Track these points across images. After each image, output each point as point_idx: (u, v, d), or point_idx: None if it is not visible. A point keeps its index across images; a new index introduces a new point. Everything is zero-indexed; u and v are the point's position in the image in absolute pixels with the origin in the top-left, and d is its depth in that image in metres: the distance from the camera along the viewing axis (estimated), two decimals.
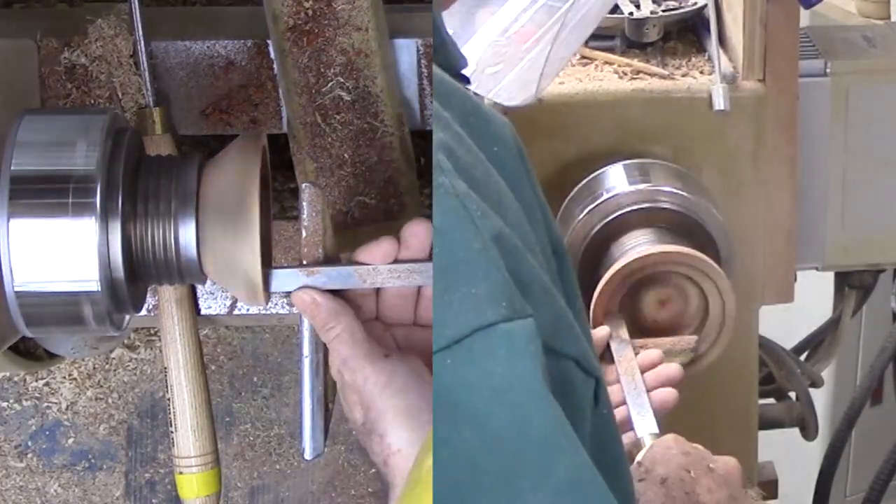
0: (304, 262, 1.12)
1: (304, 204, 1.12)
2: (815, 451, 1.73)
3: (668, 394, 1.11)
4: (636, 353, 1.12)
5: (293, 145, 1.42)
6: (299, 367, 1.12)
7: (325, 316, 1.07)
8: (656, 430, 1.07)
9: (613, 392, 1.13)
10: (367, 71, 1.39)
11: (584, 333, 0.81)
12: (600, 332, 1.15)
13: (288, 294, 1.14)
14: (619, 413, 1.10)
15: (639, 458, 1.04)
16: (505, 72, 1.03)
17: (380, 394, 1.04)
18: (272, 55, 1.48)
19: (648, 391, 1.10)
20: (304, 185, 1.12)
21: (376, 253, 1.08)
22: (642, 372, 1.12)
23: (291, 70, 1.38)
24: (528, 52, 1.00)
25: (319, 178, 1.39)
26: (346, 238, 1.32)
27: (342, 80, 1.37)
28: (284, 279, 1.11)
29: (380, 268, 1.08)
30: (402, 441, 1.02)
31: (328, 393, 1.12)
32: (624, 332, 1.15)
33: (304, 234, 1.12)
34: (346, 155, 1.39)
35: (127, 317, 1.19)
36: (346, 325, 1.07)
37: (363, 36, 1.37)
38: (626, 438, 1.09)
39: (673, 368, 1.13)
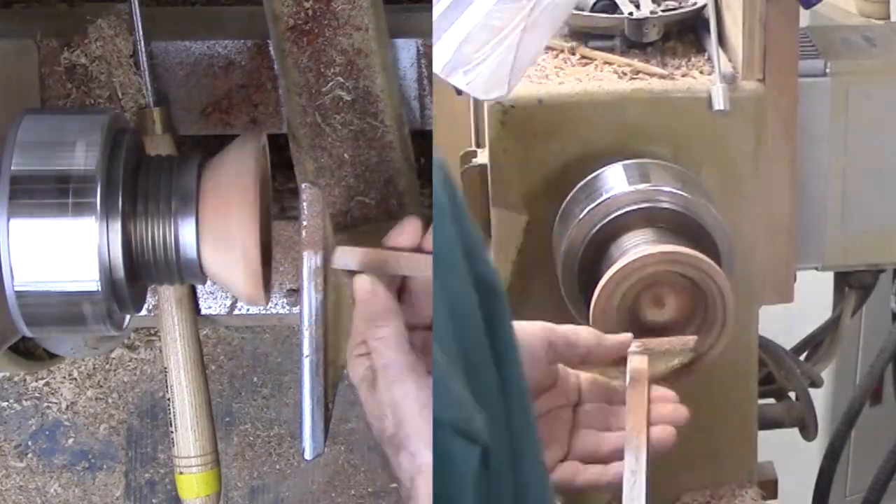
0: (304, 265, 1.12)
1: (304, 204, 1.11)
2: (815, 451, 1.72)
3: (667, 434, 1.08)
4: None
5: (293, 145, 1.42)
6: (299, 367, 1.11)
7: (378, 310, 1.04)
8: None
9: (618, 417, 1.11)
10: (367, 71, 1.38)
11: (490, 383, 0.83)
12: (622, 338, 1.12)
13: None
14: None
15: None
16: (477, 66, 1.02)
17: (419, 412, 0.99)
18: (272, 55, 1.48)
19: (649, 425, 1.07)
20: (303, 185, 1.12)
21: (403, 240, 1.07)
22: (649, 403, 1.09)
23: (291, 70, 1.38)
24: (498, 47, 0.99)
25: (319, 178, 1.39)
26: (345, 238, 1.32)
27: (342, 80, 1.37)
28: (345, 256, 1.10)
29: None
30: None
31: (328, 393, 1.11)
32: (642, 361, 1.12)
33: (303, 234, 1.12)
34: (345, 155, 1.39)
35: (127, 317, 1.19)
36: (396, 328, 1.03)
37: (363, 36, 1.37)
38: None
39: (681, 411, 1.10)
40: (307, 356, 1.10)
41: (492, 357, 0.83)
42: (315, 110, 1.38)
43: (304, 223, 1.11)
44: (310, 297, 1.11)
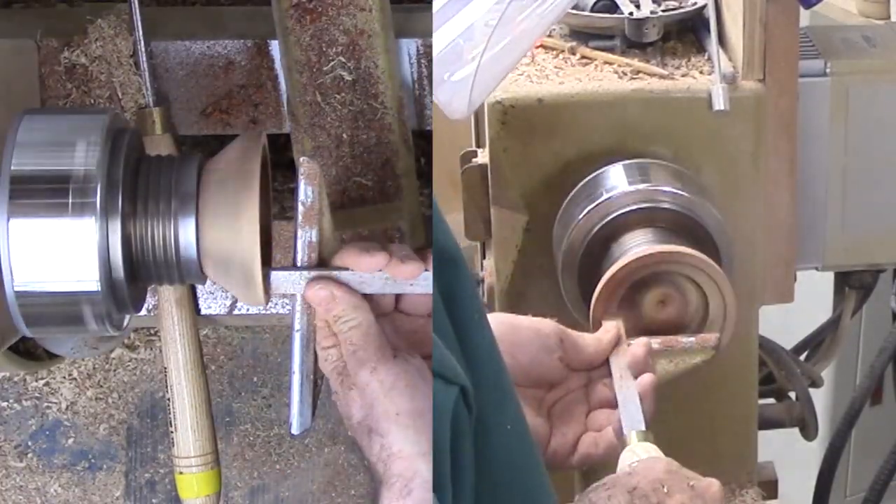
0: (299, 240, 1.11)
1: (301, 178, 1.10)
2: (815, 451, 1.72)
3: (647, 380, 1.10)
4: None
5: (292, 124, 1.41)
6: (290, 342, 1.10)
7: (343, 308, 1.06)
8: (643, 427, 1.06)
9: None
10: (369, 52, 1.38)
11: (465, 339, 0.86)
12: (611, 326, 1.14)
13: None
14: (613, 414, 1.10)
15: (620, 466, 1.04)
16: (447, 85, 1.01)
17: (385, 393, 1.03)
18: (272, 54, 1.48)
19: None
20: (301, 159, 1.10)
21: (365, 264, 1.08)
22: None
23: (293, 48, 1.37)
24: (463, 67, 0.98)
25: (317, 158, 1.39)
26: (341, 218, 1.31)
27: (343, 59, 1.37)
28: (284, 281, 1.11)
29: (375, 276, 1.07)
30: (402, 442, 1.01)
31: (317, 368, 1.11)
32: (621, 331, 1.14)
33: (299, 208, 1.11)
34: (344, 135, 1.39)
35: (127, 317, 1.19)
36: (364, 318, 1.06)
37: (367, 16, 1.37)
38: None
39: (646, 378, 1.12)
40: (298, 330, 1.09)
41: (453, 329, 0.85)
42: (315, 89, 1.38)
43: (301, 199, 1.10)
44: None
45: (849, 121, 1.36)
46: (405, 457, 1.00)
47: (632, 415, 1.07)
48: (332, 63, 1.36)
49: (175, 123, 1.47)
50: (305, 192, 1.10)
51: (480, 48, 0.96)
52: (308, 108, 1.38)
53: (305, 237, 1.11)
